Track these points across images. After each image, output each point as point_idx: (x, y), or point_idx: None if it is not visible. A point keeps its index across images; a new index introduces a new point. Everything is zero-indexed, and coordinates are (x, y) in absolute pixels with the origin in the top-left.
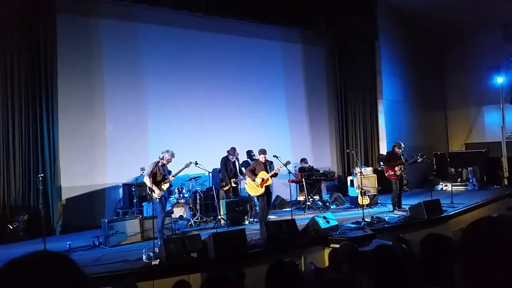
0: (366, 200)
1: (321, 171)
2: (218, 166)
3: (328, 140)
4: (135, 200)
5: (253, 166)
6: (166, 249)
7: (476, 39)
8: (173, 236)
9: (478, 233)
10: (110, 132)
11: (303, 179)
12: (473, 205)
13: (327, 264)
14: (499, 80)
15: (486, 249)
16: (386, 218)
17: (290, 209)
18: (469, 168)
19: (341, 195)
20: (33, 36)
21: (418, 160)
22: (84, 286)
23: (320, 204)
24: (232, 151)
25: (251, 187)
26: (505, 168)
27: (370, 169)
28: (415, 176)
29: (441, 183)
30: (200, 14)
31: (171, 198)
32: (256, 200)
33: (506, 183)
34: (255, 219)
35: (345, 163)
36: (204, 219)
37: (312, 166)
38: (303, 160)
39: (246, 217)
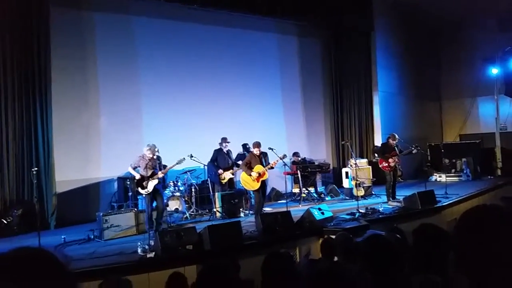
0: (361, 192)
1: (316, 163)
2: None
3: (323, 132)
4: (130, 194)
5: (248, 159)
6: (162, 242)
7: (471, 30)
8: (169, 229)
9: (471, 221)
10: (104, 126)
11: (298, 171)
12: (467, 196)
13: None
14: (494, 71)
15: (478, 237)
16: (380, 209)
17: (285, 201)
18: (463, 159)
19: (336, 187)
20: (26, 28)
21: (413, 152)
22: (67, 281)
23: (315, 196)
24: (223, 140)
25: (247, 182)
26: (499, 159)
27: (365, 160)
28: (410, 167)
29: (435, 174)
30: (195, 7)
31: (166, 191)
32: (251, 192)
33: (499, 173)
34: (251, 212)
35: (340, 155)
36: (200, 212)
37: (305, 158)
38: (295, 154)
39: (241, 210)
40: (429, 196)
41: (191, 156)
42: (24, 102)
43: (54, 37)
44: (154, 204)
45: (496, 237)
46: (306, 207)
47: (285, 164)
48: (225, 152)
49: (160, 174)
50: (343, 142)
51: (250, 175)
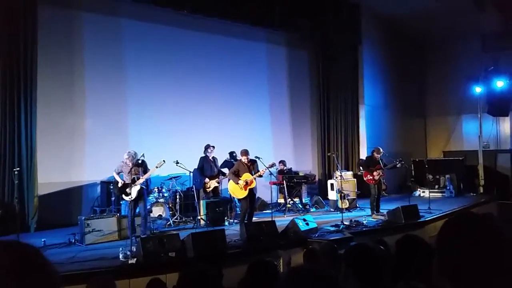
0: (346, 204)
1: (302, 174)
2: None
3: (310, 143)
4: (113, 198)
5: (236, 168)
6: (144, 248)
7: (456, 49)
8: (151, 235)
9: (453, 227)
10: (89, 129)
11: (284, 181)
12: (450, 211)
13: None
14: (478, 90)
15: (460, 242)
16: (364, 222)
17: (270, 211)
18: (447, 176)
19: (321, 198)
20: (13, 27)
21: (397, 165)
22: (53, 278)
23: (300, 206)
24: (207, 146)
25: (235, 190)
26: (481, 176)
27: (350, 173)
28: (394, 182)
29: (419, 189)
30: (185, 12)
31: (150, 197)
32: (237, 201)
33: (481, 191)
34: (235, 220)
35: (326, 166)
36: (184, 219)
37: (291, 169)
38: (282, 162)
39: (226, 218)
40: (413, 210)
41: (177, 163)
42: (8, 101)
43: (41, 37)
44: (138, 210)
45: (476, 242)
46: (291, 218)
47: (271, 174)
48: (211, 159)
49: (141, 180)
50: (329, 154)
51: (238, 183)
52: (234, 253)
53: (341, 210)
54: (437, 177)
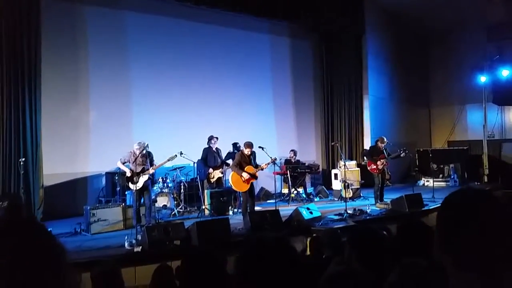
0: (349, 193)
1: (306, 164)
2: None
3: (314, 134)
4: (118, 189)
5: (238, 160)
6: (149, 237)
7: (460, 39)
8: (156, 224)
9: (454, 201)
10: (94, 120)
11: (288, 171)
12: None
13: (309, 253)
14: (482, 79)
15: (460, 216)
16: (368, 211)
17: (274, 201)
18: (451, 165)
19: (325, 188)
20: (17, 20)
21: (401, 155)
22: (58, 254)
23: (304, 196)
24: (210, 138)
25: (237, 183)
26: (486, 166)
27: (354, 162)
28: (398, 171)
29: (423, 178)
30: (189, 4)
31: (155, 188)
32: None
33: (486, 180)
34: (239, 210)
35: (329, 156)
36: (188, 209)
37: (299, 160)
38: (293, 151)
39: (230, 207)
40: (417, 199)
41: (181, 153)
42: (13, 95)
43: (45, 30)
44: (142, 200)
45: (476, 216)
46: (294, 207)
47: (275, 164)
48: (215, 150)
49: (151, 170)
50: (332, 143)
51: (242, 175)
52: (238, 241)
53: (345, 200)
54: (441, 166)
